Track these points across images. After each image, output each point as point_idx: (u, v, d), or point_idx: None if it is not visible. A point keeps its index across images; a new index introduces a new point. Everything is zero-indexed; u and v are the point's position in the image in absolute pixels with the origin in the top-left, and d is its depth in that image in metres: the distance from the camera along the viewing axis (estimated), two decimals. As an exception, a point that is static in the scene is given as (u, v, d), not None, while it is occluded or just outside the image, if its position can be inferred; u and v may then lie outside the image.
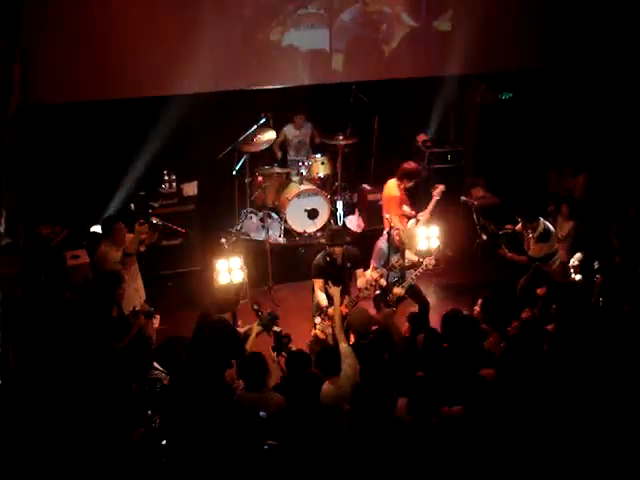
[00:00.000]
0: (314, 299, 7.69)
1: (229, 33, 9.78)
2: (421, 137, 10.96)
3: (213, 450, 5.09)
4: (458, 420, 5.28)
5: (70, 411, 5.60)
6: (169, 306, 8.49)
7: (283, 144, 10.62)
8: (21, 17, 8.56)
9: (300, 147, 10.63)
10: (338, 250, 7.51)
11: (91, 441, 5.24)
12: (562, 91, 11.11)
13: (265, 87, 10.23)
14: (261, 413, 5.70)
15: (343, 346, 6.21)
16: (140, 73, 9.43)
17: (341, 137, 10.21)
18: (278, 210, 10.17)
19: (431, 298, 8.66)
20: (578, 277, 7.81)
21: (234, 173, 9.91)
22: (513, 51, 10.87)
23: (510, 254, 8.49)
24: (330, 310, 7.27)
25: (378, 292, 7.87)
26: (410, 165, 8.88)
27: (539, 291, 8.11)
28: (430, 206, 8.56)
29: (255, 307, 6.90)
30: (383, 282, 7.74)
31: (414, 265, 8.09)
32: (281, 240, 9.98)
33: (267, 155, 10.31)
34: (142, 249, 7.60)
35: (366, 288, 7.63)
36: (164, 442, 5.23)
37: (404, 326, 6.77)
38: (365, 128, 10.50)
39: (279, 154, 10.59)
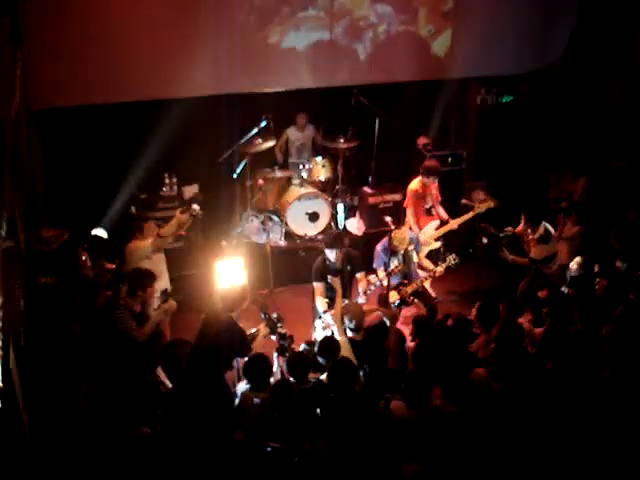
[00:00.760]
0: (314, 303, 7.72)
1: (230, 36, 9.81)
2: (422, 140, 10.96)
3: (215, 452, 5.10)
4: (450, 417, 5.32)
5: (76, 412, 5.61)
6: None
7: (285, 146, 10.63)
8: (22, 19, 8.57)
9: (302, 150, 10.64)
10: (339, 254, 7.53)
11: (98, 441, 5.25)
12: (563, 94, 11.13)
13: (266, 90, 10.26)
14: (255, 400, 5.71)
15: (341, 339, 6.25)
16: (141, 77, 9.43)
17: (342, 140, 10.22)
18: (279, 213, 10.18)
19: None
20: (574, 273, 7.83)
21: (235, 176, 9.92)
22: (513, 54, 10.89)
23: (511, 257, 8.51)
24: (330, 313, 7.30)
25: (373, 281, 7.87)
26: (430, 162, 9.27)
27: (541, 294, 8.13)
28: (464, 217, 8.66)
29: (263, 310, 6.92)
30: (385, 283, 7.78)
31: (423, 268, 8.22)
32: (282, 243, 10.00)
33: (268, 158, 10.32)
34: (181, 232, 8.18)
35: (366, 292, 7.66)
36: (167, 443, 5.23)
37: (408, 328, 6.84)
38: (366, 131, 10.51)
39: (280, 157, 10.59)
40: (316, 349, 6.31)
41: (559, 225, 8.55)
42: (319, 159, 10.30)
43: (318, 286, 7.63)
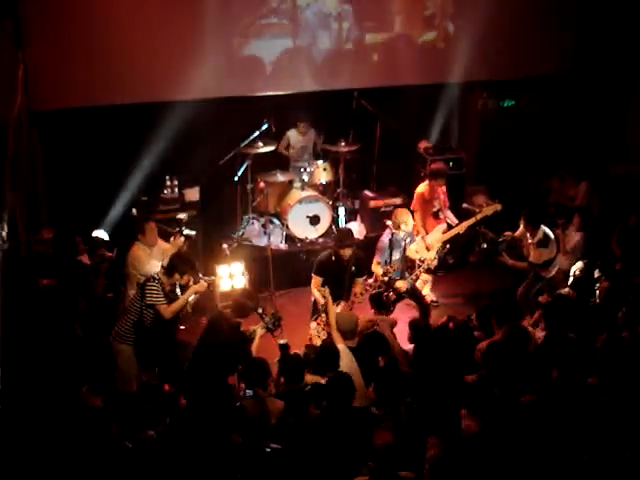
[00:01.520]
0: (312, 297, 7.73)
1: (229, 39, 9.85)
2: (423, 144, 10.95)
3: (216, 453, 5.08)
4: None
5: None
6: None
7: (287, 148, 10.62)
8: (24, 22, 8.58)
9: (303, 153, 10.63)
10: (348, 252, 7.52)
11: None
12: (564, 99, 11.13)
13: (267, 93, 10.27)
14: (247, 392, 5.71)
15: (340, 346, 6.21)
16: (142, 79, 9.46)
17: (343, 144, 10.21)
18: (280, 216, 10.17)
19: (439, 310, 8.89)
20: (577, 275, 7.84)
21: (236, 179, 9.91)
22: (514, 59, 10.90)
23: (511, 261, 8.51)
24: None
25: (375, 291, 7.88)
26: (436, 165, 9.31)
27: (541, 299, 8.13)
28: (471, 220, 8.61)
29: (259, 310, 6.92)
30: (385, 278, 7.86)
31: (416, 265, 8.23)
32: (283, 246, 9.97)
33: (269, 161, 10.30)
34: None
35: (361, 293, 7.69)
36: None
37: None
38: (367, 135, 10.51)
39: (286, 153, 10.55)
40: (315, 357, 6.31)
41: (559, 238, 8.50)
42: (320, 162, 10.29)
43: (317, 279, 7.63)
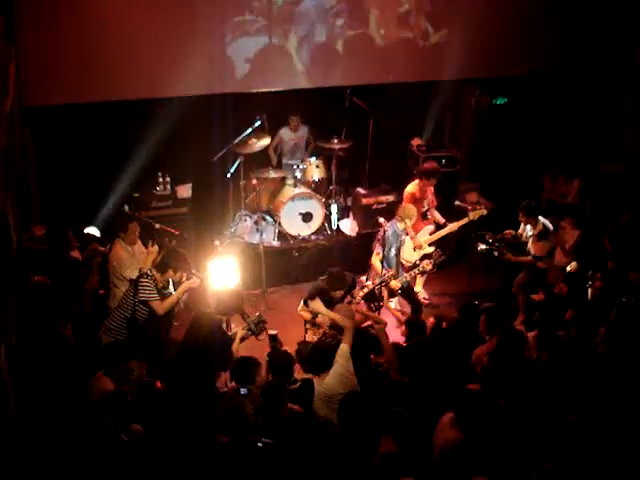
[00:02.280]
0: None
1: (220, 35, 9.84)
2: (416, 141, 10.97)
3: (205, 449, 5.09)
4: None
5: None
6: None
7: (278, 147, 10.61)
8: (17, 17, 8.54)
9: (295, 150, 10.63)
10: (339, 294, 7.54)
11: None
12: (556, 96, 11.15)
13: (260, 90, 10.26)
14: (242, 390, 5.71)
15: (344, 346, 6.16)
16: (134, 75, 9.41)
17: (336, 141, 10.20)
18: (272, 213, 10.16)
19: (430, 308, 8.89)
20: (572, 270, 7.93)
21: (228, 176, 9.89)
22: (507, 57, 10.91)
23: (515, 258, 8.57)
24: (318, 319, 7.28)
25: (366, 290, 7.89)
26: (428, 164, 9.34)
27: (536, 297, 8.17)
28: (459, 223, 8.79)
29: (240, 311, 6.91)
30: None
31: (413, 266, 8.27)
32: (275, 243, 9.98)
33: (262, 158, 10.30)
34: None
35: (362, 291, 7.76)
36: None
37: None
38: (360, 132, 10.50)
39: (274, 158, 10.55)
40: (307, 356, 6.31)
41: (557, 240, 8.57)
42: (313, 159, 10.29)
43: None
